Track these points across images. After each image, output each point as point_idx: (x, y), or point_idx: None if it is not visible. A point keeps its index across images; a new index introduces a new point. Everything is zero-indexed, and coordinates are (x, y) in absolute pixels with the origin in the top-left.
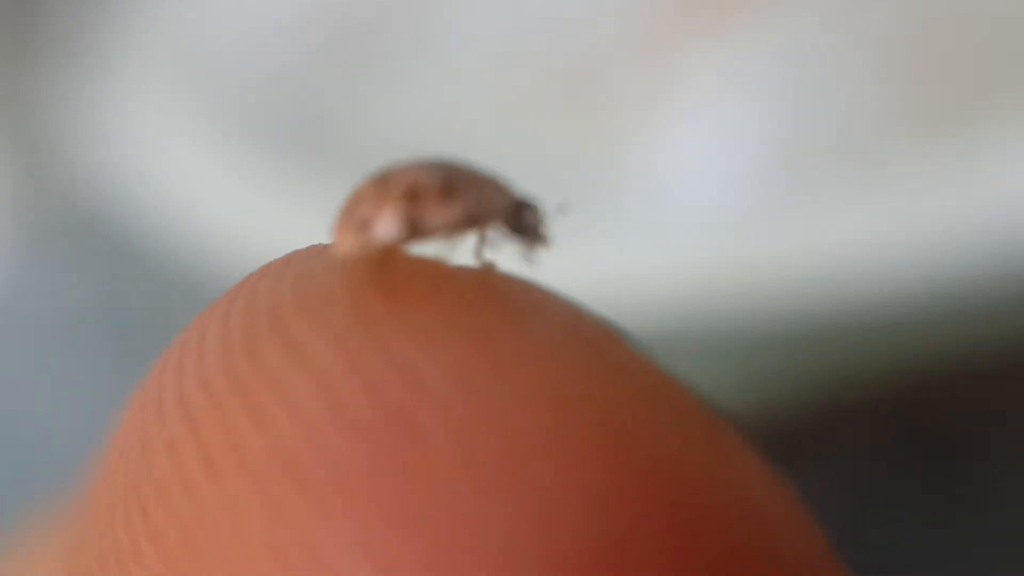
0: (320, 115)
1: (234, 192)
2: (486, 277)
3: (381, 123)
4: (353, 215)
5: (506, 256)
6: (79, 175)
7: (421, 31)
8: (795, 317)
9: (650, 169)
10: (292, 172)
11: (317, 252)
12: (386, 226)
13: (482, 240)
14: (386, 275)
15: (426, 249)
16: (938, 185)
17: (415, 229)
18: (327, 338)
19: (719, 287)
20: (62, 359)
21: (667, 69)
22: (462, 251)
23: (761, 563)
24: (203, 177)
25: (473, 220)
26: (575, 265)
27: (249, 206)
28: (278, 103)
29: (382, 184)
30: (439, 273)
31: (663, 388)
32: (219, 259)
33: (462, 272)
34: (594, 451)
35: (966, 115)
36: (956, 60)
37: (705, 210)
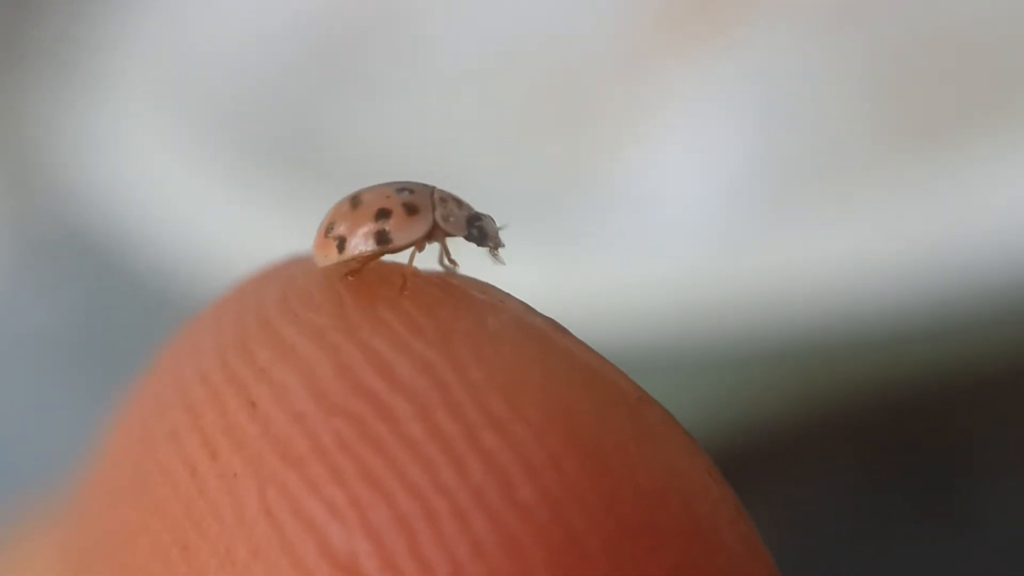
0: (305, 130)
1: (217, 207)
2: (448, 280)
3: (366, 138)
4: (331, 232)
5: (465, 262)
6: (63, 191)
7: (407, 47)
8: (779, 332)
9: (634, 184)
10: (275, 187)
11: (297, 262)
12: (360, 243)
13: (444, 249)
14: (361, 281)
15: (395, 257)
16: (920, 201)
17: (384, 244)
18: (310, 336)
19: (703, 301)
20: (43, 373)
21: (652, 85)
22: (427, 258)
23: (680, 523)
24: (185, 192)
25: (434, 235)
26: (558, 278)
27: (232, 221)
28: (262, 119)
29: (355, 205)
30: (407, 278)
31: (600, 372)
32: (201, 272)
33: (427, 276)
34: (542, 430)
35: (947, 132)
36: (937, 78)
37: (689, 225)
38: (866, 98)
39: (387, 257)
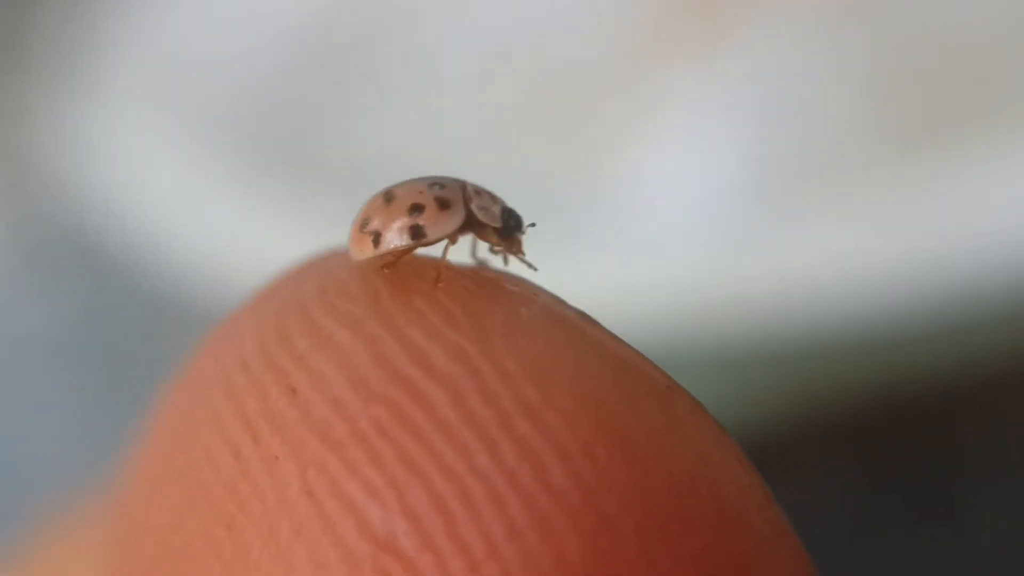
0: (304, 132)
1: (217, 208)
2: (481, 273)
3: (366, 139)
4: (366, 227)
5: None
6: (62, 193)
7: (406, 49)
8: (778, 332)
9: (633, 185)
10: (275, 188)
11: (334, 255)
12: (394, 237)
13: (476, 243)
14: (396, 274)
15: (429, 251)
16: (919, 202)
17: (419, 238)
18: (347, 325)
19: (702, 302)
20: (43, 374)
21: (652, 86)
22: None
23: (710, 509)
24: (185, 194)
25: (467, 228)
26: (557, 279)
27: (232, 222)
28: (261, 121)
29: (388, 200)
30: (441, 271)
31: (630, 362)
32: (201, 274)
33: (460, 269)
34: (574, 417)
35: (947, 133)
36: (937, 79)
37: (689, 225)
38: (866, 99)
39: (422, 251)
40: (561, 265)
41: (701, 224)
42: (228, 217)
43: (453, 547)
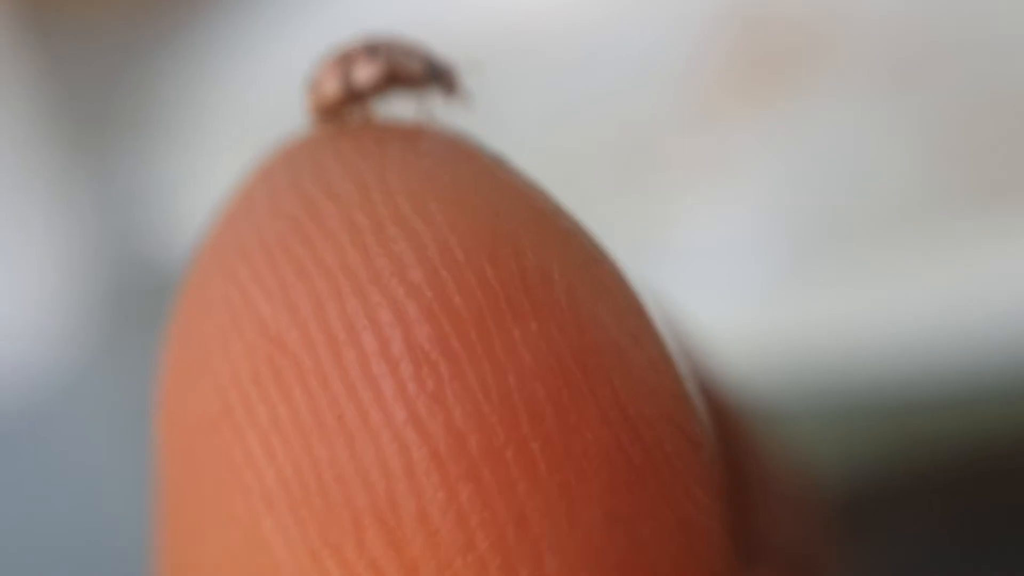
0: None
1: None
2: (412, 124)
3: None
4: (310, 82)
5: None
6: (164, 242)
7: (471, 104)
8: (834, 389)
9: (696, 237)
10: None
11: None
12: (329, 84)
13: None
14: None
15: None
16: (978, 263)
17: (348, 81)
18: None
19: (760, 358)
20: (143, 422)
21: (713, 139)
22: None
23: (558, 305)
24: None
25: (395, 75)
26: None
27: None
28: None
29: (327, 57)
30: (368, 117)
31: (552, 211)
32: None
33: (393, 121)
34: (435, 222)
35: (1006, 197)
36: (999, 143)
37: (747, 279)
38: (927, 160)
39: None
40: None
41: (760, 278)
42: None
43: (322, 335)
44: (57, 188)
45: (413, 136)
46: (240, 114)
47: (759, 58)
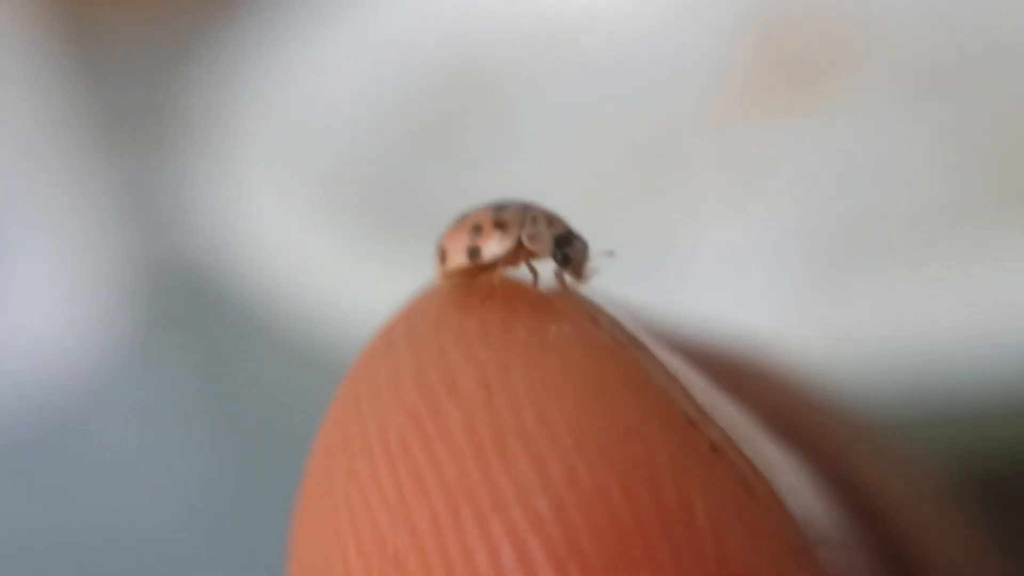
0: (412, 191)
1: (337, 262)
2: (535, 290)
3: (465, 199)
4: (438, 248)
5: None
6: (198, 245)
7: (503, 116)
8: (856, 398)
9: (720, 241)
10: (383, 242)
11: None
12: (455, 256)
13: (530, 269)
14: (461, 290)
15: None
16: (1005, 273)
17: (474, 258)
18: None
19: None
20: (176, 424)
21: (740, 145)
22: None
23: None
24: (307, 247)
25: (521, 253)
26: None
27: (351, 275)
28: (372, 182)
29: (459, 222)
30: (495, 287)
31: (695, 415)
32: (324, 321)
33: (518, 286)
34: (561, 441)
35: None
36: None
37: (769, 284)
38: (951, 171)
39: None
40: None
41: (784, 285)
42: (348, 270)
43: (439, 560)
44: (92, 189)
45: (542, 316)
46: (272, 115)
47: (785, 65)
